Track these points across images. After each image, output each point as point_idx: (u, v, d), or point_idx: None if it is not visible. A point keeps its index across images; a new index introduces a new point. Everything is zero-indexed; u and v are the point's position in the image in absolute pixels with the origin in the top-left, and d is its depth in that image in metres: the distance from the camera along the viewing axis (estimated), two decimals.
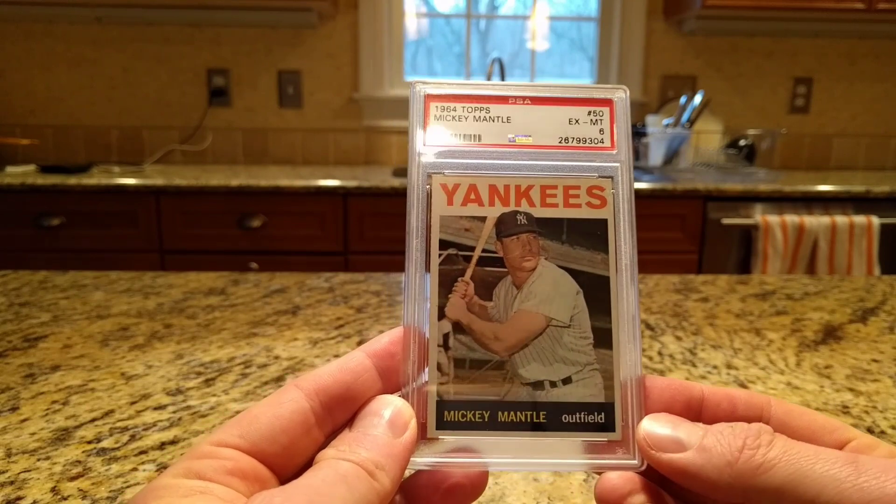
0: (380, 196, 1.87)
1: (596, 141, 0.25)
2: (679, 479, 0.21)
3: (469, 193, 0.24)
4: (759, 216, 1.88)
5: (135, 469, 0.38)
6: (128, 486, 0.37)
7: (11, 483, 0.37)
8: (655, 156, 2.17)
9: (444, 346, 0.23)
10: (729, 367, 0.56)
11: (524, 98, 0.25)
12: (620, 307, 0.23)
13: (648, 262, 1.88)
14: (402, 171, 2.21)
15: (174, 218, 1.87)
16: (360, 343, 0.60)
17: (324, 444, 0.21)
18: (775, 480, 0.19)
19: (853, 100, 2.46)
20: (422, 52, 2.55)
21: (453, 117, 0.24)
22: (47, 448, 0.41)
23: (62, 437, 0.42)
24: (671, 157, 2.17)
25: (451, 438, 0.22)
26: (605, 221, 0.24)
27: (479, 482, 0.22)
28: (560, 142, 0.24)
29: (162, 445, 0.41)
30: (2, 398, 0.48)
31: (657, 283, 0.82)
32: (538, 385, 0.23)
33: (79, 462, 0.39)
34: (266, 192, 1.85)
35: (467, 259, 0.23)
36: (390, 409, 0.21)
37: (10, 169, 1.99)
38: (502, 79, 2.31)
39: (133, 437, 0.42)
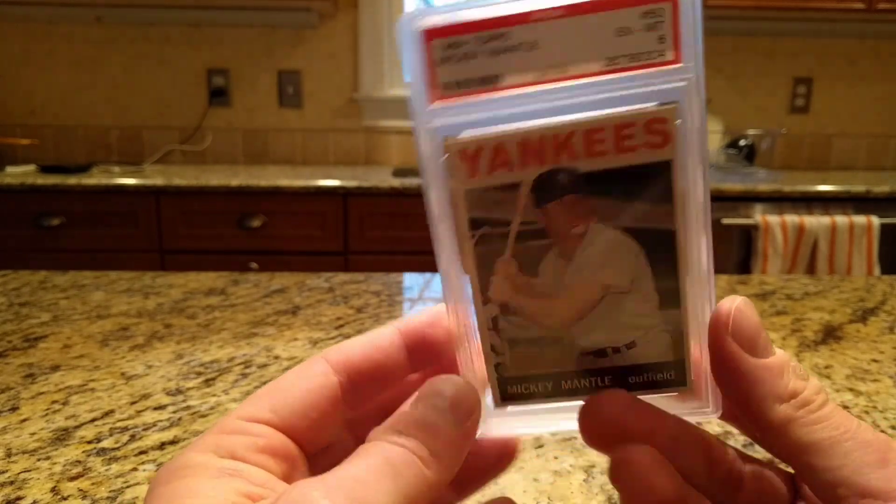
0: (380, 196, 1.87)
1: (655, 54, 0.19)
2: (730, 382, 0.20)
3: (495, 157, 0.19)
4: (759, 216, 1.88)
5: (135, 469, 0.38)
6: (128, 486, 0.37)
7: (11, 483, 0.37)
8: None
9: (495, 328, 0.21)
10: None
11: (554, 8, 0.18)
12: (691, 261, 0.20)
13: None
14: (402, 171, 2.21)
15: (174, 218, 1.87)
16: None
17: (344, 424, 0.21)
18: (810, 437, 0.18)
19: (853, 100, 2.46)
20: None
21: (463, 55, 0.19)
22: (47, 448, 0.41)
23: (62, 437, 0.42)
24: None
25: (516, 409, 0.21)
26: (668, 164, 0.19)
27: (509, 451, 0.22)
28: (607, 64, 0.19)
29: (162, 445, 0.41)
30: (2, 398, 0.48)
31: None
32: (600, 353, 0.21)
33: (79, 462, 0.39)
34: (266, 192, 1.85)
35: (505, 236, 0.20)
36: (454, 391, 0.19)
37: (10, 169, 1.99)
38: None
39: (133, 437, 0.42)
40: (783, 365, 0.19)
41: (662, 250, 0.20)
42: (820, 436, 0.18)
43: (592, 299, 0.20)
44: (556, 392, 0.21)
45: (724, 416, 0.22)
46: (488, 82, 0.19)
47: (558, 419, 0.22)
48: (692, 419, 0.21)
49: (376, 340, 0.21)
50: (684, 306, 0.20)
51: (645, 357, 0.21)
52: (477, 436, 0.20)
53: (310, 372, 0.20)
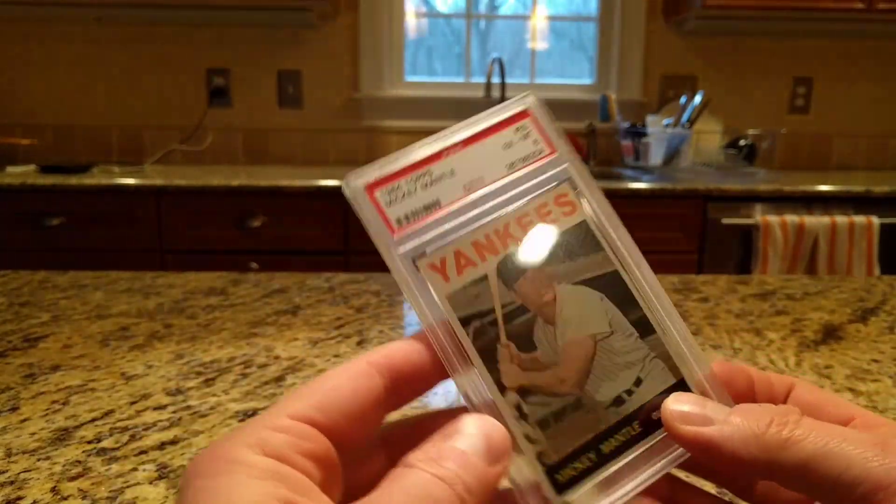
0: None
1: (537, 153, 0.25)
2: (704, 454, 0.20)
3: (458, 261, 0.23)
4: (759, 216, 1.88)
5: (135, 469, 0.38)
6: (128, 486, 0.37)
7: (11, 483, 0.37)
8: (655, 156, 2.17)
9: (521, 416, 0.22)
10: None
11: (455, 145, 0.24)
12: (642, 289, 0.24)
13: (648, 261, 1.88)
14: None
15: (174, 218, 1.87)
16: (359, 343, 0.60)
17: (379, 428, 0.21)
18: (802, 454, 0.18)
19: (853, 100, 2.46)
20: (422, 52, 2.55)
21: (403, 195, 0.23)
22: (47, 448, 0.41)
23: (62, 437, 0.42)
24: (671, 157, 2.17)
25: (574, 495, 0.22)
26: (584, 223, 0.24)
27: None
28: (509, 169, 0.24)
29: (162, 445, 0.41)
30: (2, 398, 0.48)
31: None
32: (618, 401, 0.22)
33: (79, 462, 0.39)
34: (266, 192, 1.85)
35: (494, 323, 0.22)
36: (487, 433, 0.20)
37: (10, 169, 1.99)
38: (502, 79, 2.31)
39: (133, 437, 0.42)
40: (747, 412, 0.20)
41: (617, 289, 0.23)
42: (814, 446, 0.19)
43: (589, 352, 0.23)
44: (602, 458, 0.22)
45: (696, 471, 0.22)
46: (430, 207, 0.23)
47: (620, 487, 0.22)
48: None
49: (416, 344, 0.21)
50: (658, 328, 0.23)
51: (654, 389, 0.23)
52: None
53: (355, 371, 0.20)
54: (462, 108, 2.40)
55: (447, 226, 0.23)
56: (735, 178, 2.00)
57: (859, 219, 1.86)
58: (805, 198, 1.91)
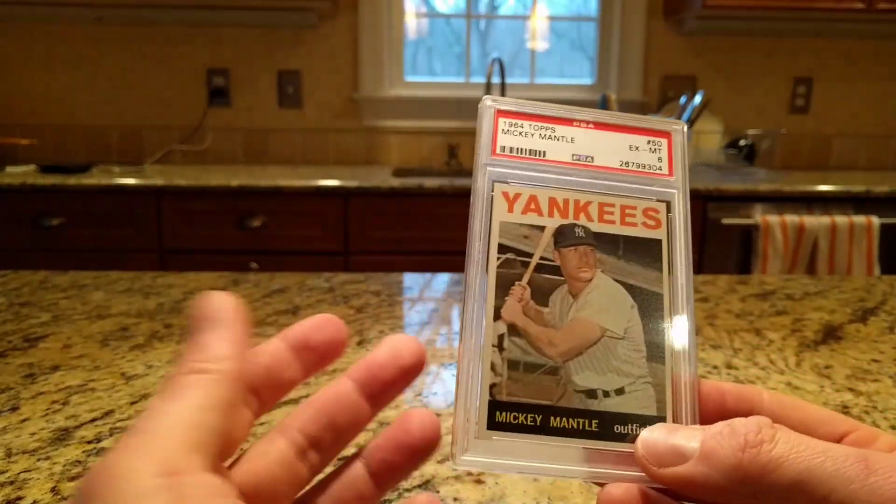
0: (380, 196, 1.87)
1: (654, 168, 0.26)
2: (688, 492, 0.20)
3: (529, 203, 0.24)
4: (759, 216, 1.88)
5: None
6: None
7: (11, 483, 0.37)
8: None
9: (499, 347, 0.23)
10: (729, 367, 0.56)
11: (588, 122, 0.26)
12: (676, 324, 0.24)
13: None
14: (402, 171, 2.21)
15: (174, 218, 1.87)
16: (359, 343, 0.60)
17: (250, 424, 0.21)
18: (784, 479, 0.18)
19: (853, 100, 2.46)
20: (422, 52, 2.55)
21: (520, 133, 0.25)
22: (47, 448, 0.41)
23: (62, 437, 0.42)
24: None
25: (501, 440, 0.22)
26: (659, 241, 0.25)
27: (433, 437, 0.22)
28: (621, 165, 0.26)
29: None
30: (2, 398, 0.48)
31: None
32: (591, 393, 0.23)
33: (79, 462, 0.39)
34: (266, 192, 1.85)
35: (525, 265, 0.24)
36: (205, 301, 0.21)
37: (10, 169, 1.99)
38: (502, 79, 2.31)
39: None
40: (719, 437, 0.19)
41: (652, 308, 0.24)
42: (796, 469, 0.18)
43: (591, 338, 0.23)
44: (544, 428, 0.22)
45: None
46: (536, 153, 0.25)
47: (541, 460, 0.22)
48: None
49: (260, 349, 0.22)
50: (668, 362, 0.23)
51: (632, 407, 0.23)
52: (458, 464, 0.21)
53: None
54: (462, 108, 2.40)
55: (538, 174, 0.25)
56: (735, 178, 2.00)
57: (859, 219, 1.86)
58: (805, 198, 1.91)
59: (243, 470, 0.20)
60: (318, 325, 0.23)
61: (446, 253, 1.80)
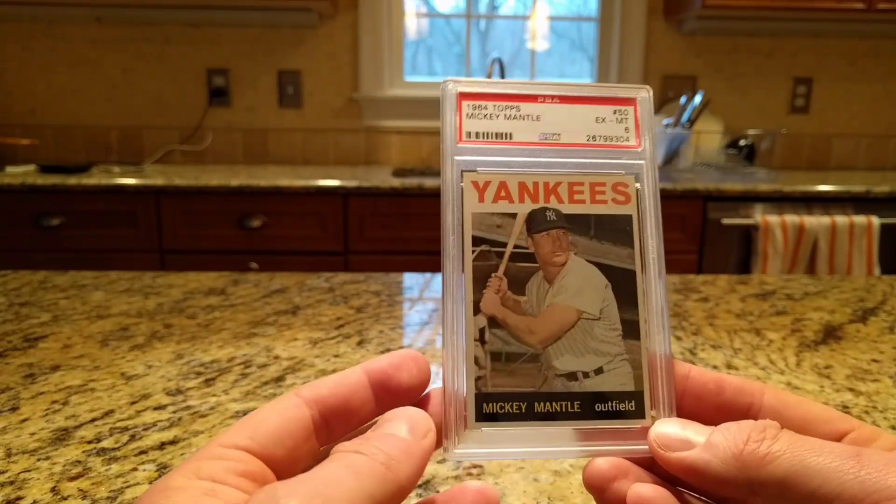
0: (380, 196, 1.87)
1: (622, 139, 0.25)
2: (688, 477, 0.21)
3: (500, 191, 0.24)
4: (759, 216, 1.88)
5: (135, 469, 0.38)
6: (128, 486, 0.37)
7: (11, 483, 0.37)
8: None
9: (481, 340, 0.23)
10: (729, 367, 0.56)
11: (553, 97, 0.26)
12: (648, 300, 0.24)
13: None
14: (402, 171, 2.21)
15: (174, 218, 1.87)
16: (359, 343, 0.60)
17: (321, 457, 0.21)
18: (779, 471, 0.19)
19: (853, 100, 2.46)
20: (422, 52, 2.55)
21: (485, 115, 0.25)
22: (47, 448, 0.41)
23: (62, 437, 0.42)
24: (671, 157, 2.17)
25: (490, 430, 0.23)
26: (629, 217, 0.25)
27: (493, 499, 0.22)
28: (587, 139, 0.25)
29: (162, 445, 0.41)
30: (2, 398, 0.48)
31: None
32: (571, 376, 0.23)
33: (79, 462, 0.39)
34: (266, 192, 1.85)
35: (500, 255, 0.24)
36: (410, 416, 0.21)
37: (10, 169, 1.99)
38: (502, 79, 2.31)
39: (133, 437, 0.42)
40: (726, 431, 0.21)
41: (625, 286, 0.24)
42: (791, 463, 0.19)
43: (568, 322, 0.24)
44: (530, 414, 0.23)
45: (662, 474, 0.23)
46: (502, 136, 0.25)
47: (532, 445, 0.23)
48: (647, 456, 0.23)
49: (344, 379, 0.22)
50: (643, 337, 0.24)
51: (611, 385, 0.23)
52: (452, 457, 0.22)
53: (284, 405, 0.21)
54: None
55: (507, 158, 0.25)
56: (735, 178, 2.00)
57: (859, 219, 1.86)
58: (805, 198, 1.91)
59: (274, 430, 0.21)
60: (400, 363, 0.23)
61: None
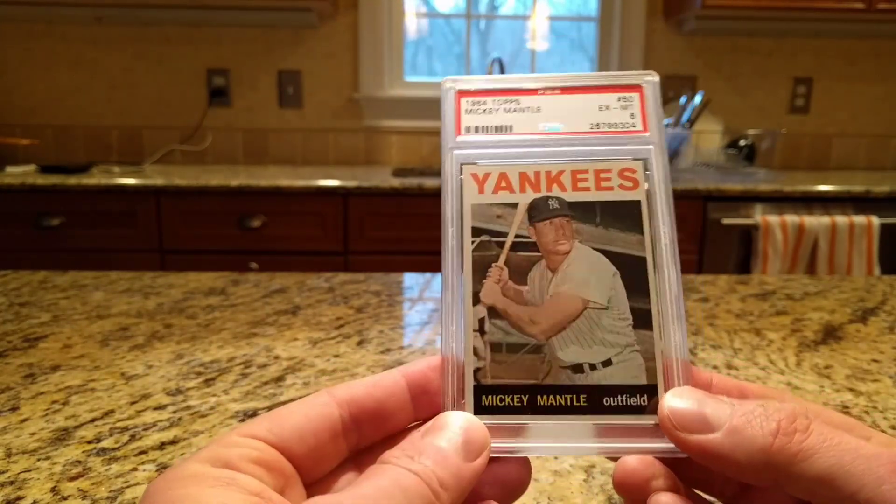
0: (380, 196, 1.87)
1: (627, 125, 0.25)
2: (708, 462, 0.20)
3: (500, 182, 0.24)
4: (759, 216, 1.88)
5: (135, 469, 0.38)
6: (128, 486, 0.37)
7: (11, 483, 0.37)
8: None
9: (480, 330, 0.22)
10: (729, 367, 0.56)
11: (553, 88, 0.25)
12: (661, 287, 0.23)
13: None
14: (402, 171, 2.21)
15: (174, 218, 1.87)
16: (359, 343, 0.60)
17: (348, 458, 0.21)
18: (813, 471, 0.18)
19: (853, 100, 2.46)
20: (422, 52, 2.55)
21: (484, 110, 0.25)
22: (47, 448, 0.41)
23: (62, 437, 0.42)
24: (671, 157, 2.17)
25: (490, 422, 0.22)
26: (637, 203, 0.24)
27: (524, 475, 0.22)
28: (591, 128, 0.25)
29: (162, 445, 0.41)
30: (2, 398, 0.48)
31: None
32: (577, 368, 0.22)
33: (79, 462, 0.39)
34: (266, 192, 1.85)
35: (500, 245, 0.23)
36: (468, 426, 0.20)
37: (10, 169, 1.99)
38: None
39: (133, 437, 0.42)
40: (751, 418, 0.19)
41: (635, 274, 0.23)
42: (826, 463, 0.18)
43: (573, 312, 0.23)
44: (532, 407, 0.22)
45: (697, 486, 0.22)
46: (502, 129, 0.25)
47: (535, 440, 0.22)
48: (660, 455, 0.21)
49: (380, 381, 0.22)
50: (657, 328, 0.22)
51: (620, 378, 0.22)
52: None
53: (312, 402, 0.21)
54: None
55: (507, 150, 0.24)
56: (735, 178, 2.00)
57: (859, 219, 1.86)
58: (805, 198, 1.91)
59: (301, 427, 0.20)
60: (440, 366, 0.22)
61: None
